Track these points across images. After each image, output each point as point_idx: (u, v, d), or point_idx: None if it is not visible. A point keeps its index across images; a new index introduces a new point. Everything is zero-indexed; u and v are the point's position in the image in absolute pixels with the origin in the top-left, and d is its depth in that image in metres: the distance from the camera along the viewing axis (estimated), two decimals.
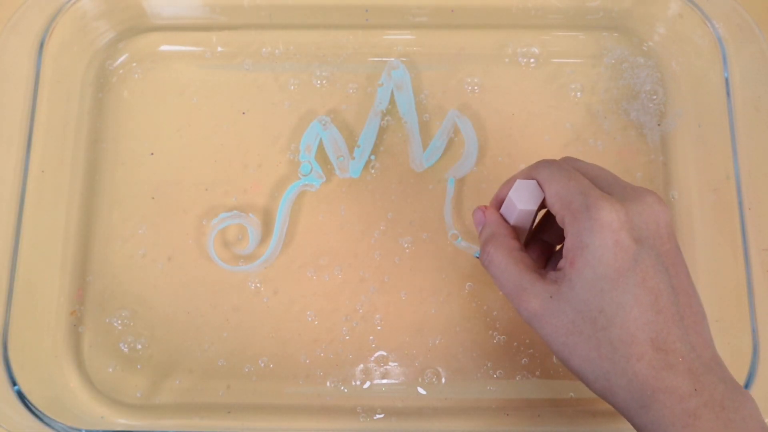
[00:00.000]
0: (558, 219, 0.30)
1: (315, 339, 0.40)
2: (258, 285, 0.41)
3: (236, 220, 0.41)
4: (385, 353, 0.40)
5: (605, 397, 0.29)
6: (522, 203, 0.32)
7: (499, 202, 0.34)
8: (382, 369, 0.40)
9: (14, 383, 0.36)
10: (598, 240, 0.28)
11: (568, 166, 0.32)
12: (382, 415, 0.39)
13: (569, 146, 0.43)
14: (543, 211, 0.35)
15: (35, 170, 0.40)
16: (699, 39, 0.43)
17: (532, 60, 0.45)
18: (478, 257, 0.34)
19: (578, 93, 0.45)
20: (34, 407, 0.36)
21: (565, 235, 0.30)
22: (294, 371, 0.40)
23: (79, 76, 0.44)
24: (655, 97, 0.44)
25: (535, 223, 0.34)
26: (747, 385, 0.36)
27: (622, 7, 0.45)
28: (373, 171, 0.43)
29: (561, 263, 0.30)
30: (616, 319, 0.28)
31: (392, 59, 0.45)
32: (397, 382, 0.40)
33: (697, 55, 0.43)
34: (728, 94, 0.41)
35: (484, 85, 0.45)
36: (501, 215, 0.34)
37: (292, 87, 0.45)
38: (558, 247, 0.36)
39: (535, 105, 0.44)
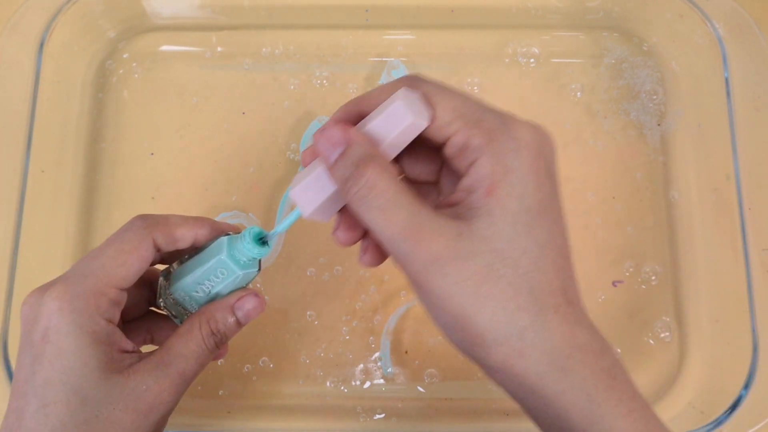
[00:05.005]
0: (458, 140, 0.24)
1: (315, 339, 0.40)
2: (258, 285, 0.41)
3: (236, 220, 0.41)
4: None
5: (509, 364, 0.23)
6: (415, 115, 0.24)
7: (355, 119, 0.25)
8: (382, 369, 0.40)
9: None
10: (526, 164, 0.23)
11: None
12: (382, 415, 0.39)
13: (569, 146, 0.43)
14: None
15: (35, 170, 0.40)
16: (699, 39, 0.43)
17: (532, 60, 0.45)
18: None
19: (578, 93, 0.45)
20: None
21: (474, 161, 0.24)
22: (294, 371, 0.40)
23: (79, 76, 0.44)
24: (655, 97, 0.44)
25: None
26: (747, 385, 0.36)
27: (622, 7, 0.45)
28: None
29: (465, 196, 0.24)
30: (539, 262, 0.23)
31: (392, 59, 0.45)
32: (397, 382, 0.40)
33: (697, 55, 0.43)
34: (728, 94, 0.41)
35: (484, 85, 0.45)
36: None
37: (292, 87, 0.45)
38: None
39: (535, 105, 0.44)
